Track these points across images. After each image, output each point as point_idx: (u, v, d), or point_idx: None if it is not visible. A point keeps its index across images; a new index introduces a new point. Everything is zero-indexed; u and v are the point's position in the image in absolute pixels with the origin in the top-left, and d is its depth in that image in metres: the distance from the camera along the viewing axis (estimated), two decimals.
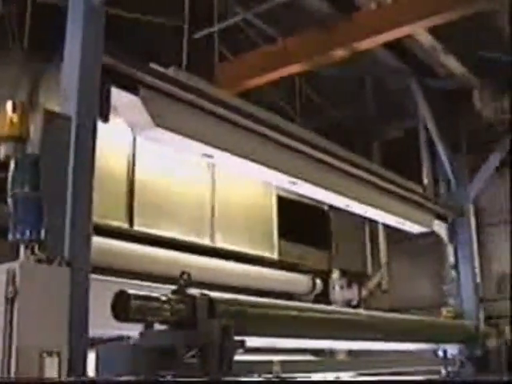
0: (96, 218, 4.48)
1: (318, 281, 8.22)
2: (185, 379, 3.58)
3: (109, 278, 5.46)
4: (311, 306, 5.99)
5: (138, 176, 6.52)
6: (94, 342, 3.87)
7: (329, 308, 6.55)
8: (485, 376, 7.10)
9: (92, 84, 4.34)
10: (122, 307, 3.59)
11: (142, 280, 5.93)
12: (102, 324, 3.92)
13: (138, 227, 6.45)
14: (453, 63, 8.47)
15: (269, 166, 6.04)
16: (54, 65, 4.97)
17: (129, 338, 3.84)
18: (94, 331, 3.92)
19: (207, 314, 3.73)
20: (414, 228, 8.61)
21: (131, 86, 4.81)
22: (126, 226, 6.38)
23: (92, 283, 3.98)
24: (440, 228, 9.29)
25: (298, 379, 3.68)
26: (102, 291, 3.96)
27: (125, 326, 3.85)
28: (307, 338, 4.80)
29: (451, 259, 9.46)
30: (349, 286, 8.68)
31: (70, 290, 3.44)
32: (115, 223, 6.23)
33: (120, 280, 5.60)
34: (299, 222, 8.19)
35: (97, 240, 5.34)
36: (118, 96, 4.69)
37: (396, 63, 8.99)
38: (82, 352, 3.59)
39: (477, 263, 10.27)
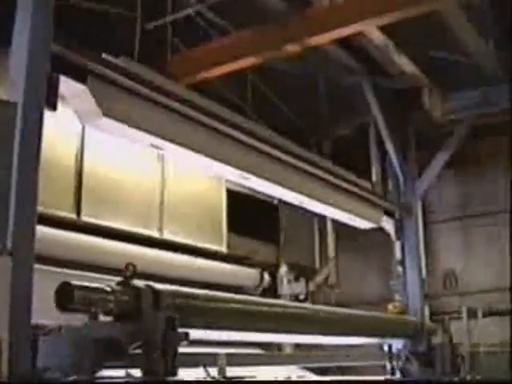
0: (42, 208, 4.44)
1: (266, 275, 8.25)
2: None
3: (54, 268, 5.40)
4: (258, 300, 6.00)
5: (86, 166, 6.46)
6: (38, 332, 3.82)
7: (276, 301, 6.57)
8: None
9: (40, 72, 4.29)
10: (66, 298, 3.56)
11: (88, 271, 5.89)
12: (47, 314, 3.88)
13: (85, 218, 6.40)
14: (404, 62, 8.56)
15: (219, 160, 6.05)
16: (2, 51, 4.90)
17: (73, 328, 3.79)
18: (38, 321, 3.88)
19: (152, 305, 3.72)
20: (363, 224, 8.70)
21: (80, 75, 4.77)
22: (73, 216, 6.32)
23: (36, 273, 3.93)
24: (388, 224, 9.41)
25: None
26: (46, 281, 3.91)
27: (69, 316, 3.82)
28: (253, 331, 4.81)
29: (398, 255, 9.59)
30: (296, 280, 8.73)
31: (12, 279, 3.40)
32: (62, 213, 6.17)
33: (66, 271, 5.55)
34: (249, 215, 8.21)
35: (43, 230, 5.29)
36: (66, 84, 4.65)
37: (349, 61, 9.05)
38: (24, 341, 3.55)
39: (423, 260, 10.43)
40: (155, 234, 7.03)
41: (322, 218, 9.97)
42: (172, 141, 5.50)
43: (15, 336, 3.42)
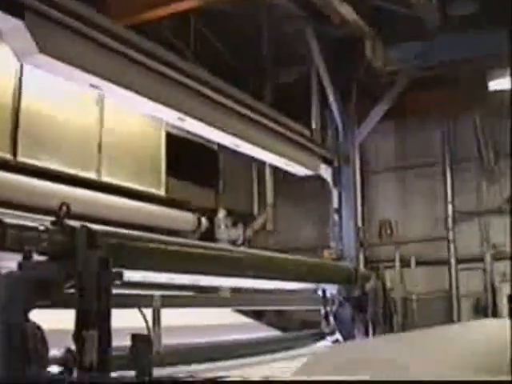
0: None
1: (204, 219, 8.27)
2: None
3: None
4: (195, 242, 6.03)
5: (23, 105, 6.34)
6: None
7: (212, 245, 6.60)
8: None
9: None
10: None
11: (24, 212, 5.81)
12: None
13: (21, 158, 6.30)
14: (347, 11, 8.55)
15: (157, 101, 5.99)
16: None
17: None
18: None
19: (86, 245, 3.69)
20: (301, 170, 8.76)
21: (16, 10, 4.64)
22: (9, 156, 6.22)
23: None
24: (326, 172, 9.50)
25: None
26: None
27: (2, 257, 3.77)
28: (190, 273, 4.83)
29: (335, 203, 9.72)
30: (234, 225, 8.79)
31: None
32: None
33: (0, 210, 5.46)
34: (188, 160, 8.20)
35: None
36: (2, 20, 4.53)
37: (291, 7, 9.01)
38: None
39: (359, 208, 10.60)
40: (93, 175, 6.97)
41: (261, 165, 10.02)
42: (110, 80, 5.42)
43: None
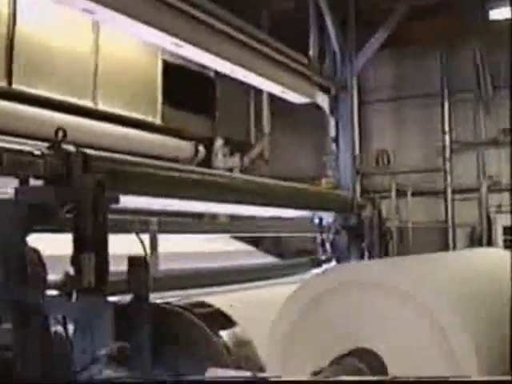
0: None
1: (201, 148, 8.26)
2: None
3: None
4: (191, 168, 6.01)
5: (18, 32, 6.26)
6: None
7: (210, 171, 6.58)
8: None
9: None
10: None
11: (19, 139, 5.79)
12: None
13: (16, 85, 6.25)
14: None
15: (152, 26, 5.90)
16: None
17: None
18: None
19: (82, 169, 3.68)
20: (297, 98, 8.70)
21: None
22: (3, 84, 6.17)
23: None
24: (323, 101, 9.44)
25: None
26: None
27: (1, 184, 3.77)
28: (186, 199, 4.83)
29: (332, 132, 9.70)
30: (231, 154, 8.79)
31: None
32: None
33: None
34: (184, 88, 8.13)
35: None
36: None
37: None
38: None
39: (356, 138, 10.59)
40: (89, 103, 6.93)
41: (258, 93, 9.94)
42: (105, 4, 5.33)
43: None
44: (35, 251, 3.74)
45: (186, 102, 8.22)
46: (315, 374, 2.92)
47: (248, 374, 2.61)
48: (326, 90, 9.36)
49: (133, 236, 3.86)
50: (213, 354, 3.29)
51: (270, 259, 7.31)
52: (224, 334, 3.41)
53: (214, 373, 2.62)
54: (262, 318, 3.83)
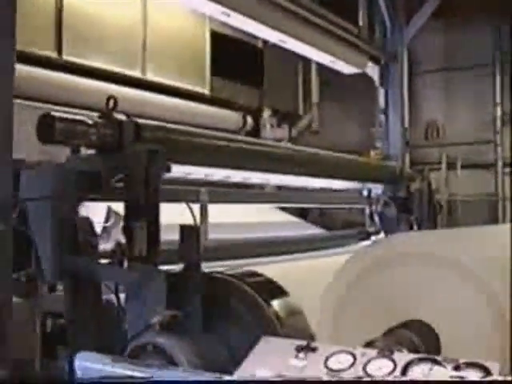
0: (22, 46, 4.30)
1: (249, 118, 8.23)
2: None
3: (36, 103, 5.33)
4: (241, 138, 6.00)
5: (67, 3, 6.28)
6: (20, 167, 3.79)
7: (258, 141, 6.58)
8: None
9: None
10: (47, 129, 3.51)
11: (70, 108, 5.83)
12: (28, 150, 3.85)
13: (66, 56, 6.28)
14: None
15: None
16: None
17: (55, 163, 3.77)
18: (20, 156, 3.83)
19: (133, 138, 3.69)
20: (347, 68, 8.60)
21: None
22: (54, 55, 6.21)
23: (17, 109, 3.86)
24: (372, 71, 9.32)
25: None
26: (27, 117, 3.85)
27: (51, 152, 3.80)
28: (236, 168, 4.82)
29: (381, 103, 9.57)
30: (279, 125, 8.75)
31: None
32: (43, 52, 6.05)
33: (47, 106, 5.48)
34: (233, 58, 8.08)
35: (24, 69, 5.18)
36: None
37: None
38: (6, 174, 3.53)
39: (406, 108, 10.44)
40: (138, 74, 6.94)
41: (307, 64, 9.85)
42: None
43: None
44: (87, 220, 3.77)
45: (234, 72, 8.18)
46: (368, 344, 2.89)
47: (300, 343, 2.60)
48: (375, 60, 9.23)
49: (181, 206, 3.86)
50: (264, 323, 3.28)
51: (317, 231, 7.29)
52: (275, 303, 3.41)
53: (267, 341, 2.61)
54: (310, 289, 3.82)
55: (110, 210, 4.58)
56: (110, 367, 2.18)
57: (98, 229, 3.78)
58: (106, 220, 4.61)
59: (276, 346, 2.59)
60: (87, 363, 2.22)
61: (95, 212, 4.08)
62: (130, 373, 2.13)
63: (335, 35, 7.94)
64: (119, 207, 3.77)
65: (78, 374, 2.15)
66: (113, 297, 3.75)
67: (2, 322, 3.52)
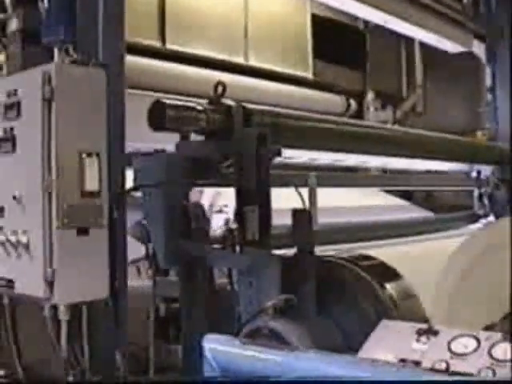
0: (127, 37, 4.37)
1: (353, 101, 8.14)
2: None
3: (144, 92, 5.41)
4: (348, 120, 5.94)
5: None
6: (131, 155, 3.87)
7: (366, 123, 6.50)
8: None
9: None
10: (158, 116, 3.57)
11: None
12: (138, 137, 3.92)
13: (170, 45, 6.35)
14: None
15: None
16: None
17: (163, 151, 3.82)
18: (129, 144, 3.91)
19: (243, 123, 3.70)
20: (453, 47, 8.38)
21: None
22: (158, 44, 6.28)
23: (126, 97, 3.93)
24: (478, 49, 9.04)
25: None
26: (137, 105, 3.91)
27: (160, 139, 3.86)
28: (343, 151, 4.79)
29: (488, 82, 9.27)
30: (383, 107, 8.62)
31: (107, 94, 3.42)
32: (147, 41, 6.13)
33: (155, 95, 5.55)
34: (334, 41, 8.00)
35: (128, 58, 5.26)
36: None
37: None
38: (119, 158, 3.61)
39: None
40: (240, 60, 6.95)
41: (410, 44, 9.65)
42: None
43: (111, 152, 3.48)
44: (198, 205, 3.82)
45: (336, 55, 8.09)
46: (488, 328, 2.83)
47: (421, 326, 2.55)
48: (481, 38, 8.95)
49: (286, 190, 3.85)
50: (379, 306, 3.25)
51: (423, 213, 7.18)
52: (389, 286, 3.37)
53: (387, 325, 2.57)
54: (420, 273, 3.76)
55: (219, 195, 4.62)
56: (239, 349, 2.19)
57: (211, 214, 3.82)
58: (217, 205, 4.66)
59: (396, 330, 2.55)
60: (216, 345, 2.23)
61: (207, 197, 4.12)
62: (260, 355, 2.13)
63: (439, 13, 7.73)
64: (229, 192, 3.80)
65: (207, 356, 2.17)
66: (225, 281, 3.79)
67: (118, 306, 3.61)
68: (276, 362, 2.11)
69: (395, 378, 2.02)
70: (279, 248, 3.61)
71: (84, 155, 3.24)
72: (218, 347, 2.21)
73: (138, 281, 4.05)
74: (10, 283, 3.44)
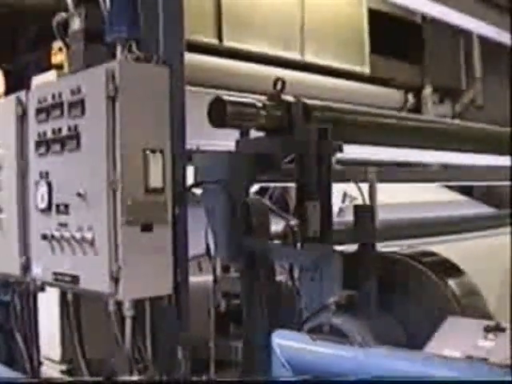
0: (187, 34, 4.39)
1: (410, 96, 8.05)
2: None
3: (203, 89, 5.44)
4: (408, 115, 5.86)
5: None
6: (191, 153, 3.89)
7: (425, 117, 6.41)
8: None
9: None
10: (219, 113, 3.57)
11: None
12: (198, 134, 3.94)
13: (227, 42, 6.36)
14: None
15: None
16: None
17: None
18: (189, 142, 3.93)
19: (303, 118, 3.69)
20: None
21: None
22: (215, 41, 6.30)
23: (186, 94, 3.95)
24: None
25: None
26: (196, 102, 3.93)
27: (220, 136, 3.87)
28: (404, 146, 4.74)
29: None
30: (442, 101, 8.51)
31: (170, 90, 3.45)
32: (205, 39, 6.16)
33: (214, 91, 5.57)
34: (391, 35, 7.91)
35: (187, 56, 5.28)
36: None
37: None
38: (181, 154, 3.63)
39: None
40: (297, 56, 6.92)
41: (468, 37, 9.50)
42: None
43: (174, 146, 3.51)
44: (259, 201, 3.82)
45: (393, 49, 8.00)
46: None
47: (488, 323, 2.51)
48: None
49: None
50: (441, 302, 3.21)
51: (485, 209, 7.07)
52: (452, 282, 3.33)
53: (453, 321, 2.54)
54: (484, 269, 3.71)
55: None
56: (310, 345, 2.19)
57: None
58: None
59: (462, 326, 2.51)
60: (285, 341, 2.23)
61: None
62: (332, 351, 2.13)
63: (497, 5, 7.60)
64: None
65: (276, 351, 2.17)
66: (286, 277, 3.78)
67: (179, 302, 3.64)
68: (348, 358, 2.10)
69: (476, 376, 1.99)
70: (342, 243, 3.59)
71: (148, 152, 3.27)
72: (287, 343, 2.20)
73: (199, 277, 4.07)
74: (74, 279, 3.49)
